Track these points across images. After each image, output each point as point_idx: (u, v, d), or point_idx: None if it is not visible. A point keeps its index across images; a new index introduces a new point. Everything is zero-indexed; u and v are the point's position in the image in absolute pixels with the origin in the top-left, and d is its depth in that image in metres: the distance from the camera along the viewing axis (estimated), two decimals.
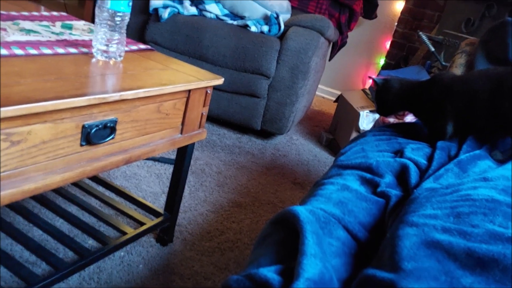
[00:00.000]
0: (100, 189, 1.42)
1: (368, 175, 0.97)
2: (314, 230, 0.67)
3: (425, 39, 2.45)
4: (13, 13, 1.24)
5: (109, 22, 1.03)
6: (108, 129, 0.92)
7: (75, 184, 1.38)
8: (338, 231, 0.74)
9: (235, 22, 2.23)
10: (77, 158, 0.90)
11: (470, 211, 0.73)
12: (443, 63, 2.39)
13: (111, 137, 0.93)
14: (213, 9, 2.25)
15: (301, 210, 0.72)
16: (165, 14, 2.10)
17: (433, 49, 2.45)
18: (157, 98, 1.02)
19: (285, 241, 0.71)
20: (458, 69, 1.66)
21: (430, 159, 1.08)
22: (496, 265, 0.57)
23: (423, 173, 1.02)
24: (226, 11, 2.30)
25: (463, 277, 0.57)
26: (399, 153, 1.11)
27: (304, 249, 0.62)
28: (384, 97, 1.23)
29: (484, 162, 1.07)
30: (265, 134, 2.37)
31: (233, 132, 2.31)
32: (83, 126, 0.87)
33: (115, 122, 0.93)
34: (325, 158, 2.28)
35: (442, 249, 0.62)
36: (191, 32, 2.11)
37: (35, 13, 1.29)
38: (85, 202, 1.31)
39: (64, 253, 1.18)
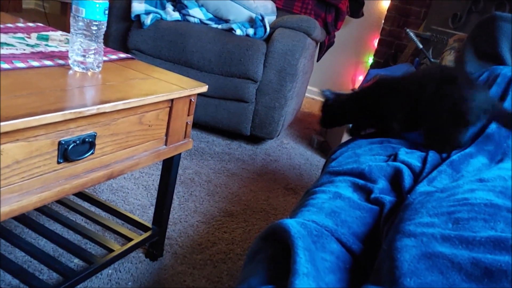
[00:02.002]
0: (85, 205, 1.37)
1: (361, 181, 0.94)
2: (306, 246, 0.63)
3: (413, 36, 2.43)
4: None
5: (85, 32, 0.98)
6: (87, 144, 0.88)
7: (59, 201, 1.33)
8: (331, 245, 0.70)
9: (219, 26, 2.19)
10: (55, 176, 0.85)
11: (469, 217, 0.69)
12: (432, 59, 2.37)
13: (90, 152, 0.89)
14: (197, 14, 2.21)
15: (292, 224, 0.68)
16: (148, 20, 2.05)
17: (421, 46, 2.43)
18: (138, 109, 0.97)
19: (276, 257, 0.68)
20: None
21: (424, 161, 1.05)
22: (504, 276, 0.53)
23: (418, 176, 0.99)
24: (210, 15, 2.26)
25: None
26: (392, 156, 1.08)
27: (296, 267, 0.58)
28: (333, 109, 1.27)
29: (477, 159, 1.04)
30: (255, 139, 2.33)
31: (222, 139, 2.27)
32: (60, 143, 0.82)
33: (94, 136, 0.89)
34: (317, 161, 2.24)
35: (445, 259, 0.58)
36: (175, 38, 2.07)
37: (10, 25, 1.25)
38: (70, 219, 1.26)
39: (49, 275, 1.13)
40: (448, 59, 1.70)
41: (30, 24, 1.31)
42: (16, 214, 0.79)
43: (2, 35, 1.13)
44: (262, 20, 2.17)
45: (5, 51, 1.01)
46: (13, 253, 1.17)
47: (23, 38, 1.15)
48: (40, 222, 1.24)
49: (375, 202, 0.87)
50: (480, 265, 0.56)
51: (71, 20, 0.98)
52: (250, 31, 2.14)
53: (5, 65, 0.92)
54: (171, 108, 1.06)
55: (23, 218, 1.21)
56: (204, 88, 1.13)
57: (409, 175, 0.97)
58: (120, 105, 0.90)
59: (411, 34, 2.44)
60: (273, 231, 0.71)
